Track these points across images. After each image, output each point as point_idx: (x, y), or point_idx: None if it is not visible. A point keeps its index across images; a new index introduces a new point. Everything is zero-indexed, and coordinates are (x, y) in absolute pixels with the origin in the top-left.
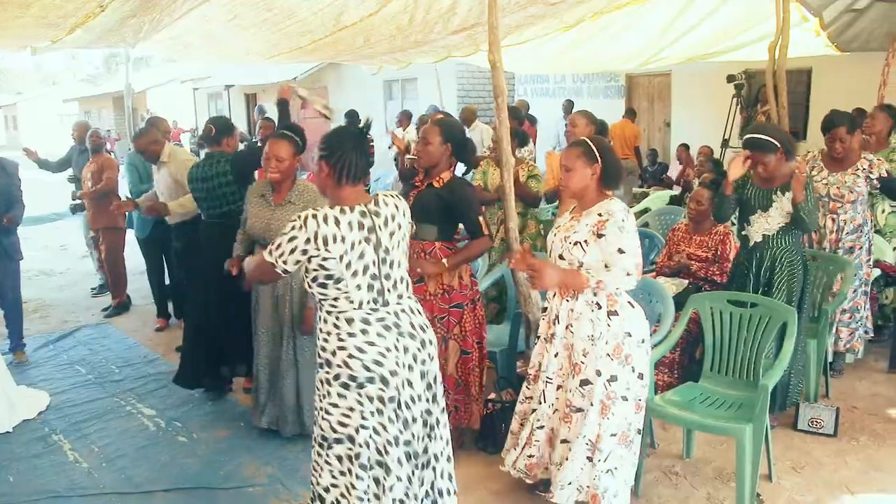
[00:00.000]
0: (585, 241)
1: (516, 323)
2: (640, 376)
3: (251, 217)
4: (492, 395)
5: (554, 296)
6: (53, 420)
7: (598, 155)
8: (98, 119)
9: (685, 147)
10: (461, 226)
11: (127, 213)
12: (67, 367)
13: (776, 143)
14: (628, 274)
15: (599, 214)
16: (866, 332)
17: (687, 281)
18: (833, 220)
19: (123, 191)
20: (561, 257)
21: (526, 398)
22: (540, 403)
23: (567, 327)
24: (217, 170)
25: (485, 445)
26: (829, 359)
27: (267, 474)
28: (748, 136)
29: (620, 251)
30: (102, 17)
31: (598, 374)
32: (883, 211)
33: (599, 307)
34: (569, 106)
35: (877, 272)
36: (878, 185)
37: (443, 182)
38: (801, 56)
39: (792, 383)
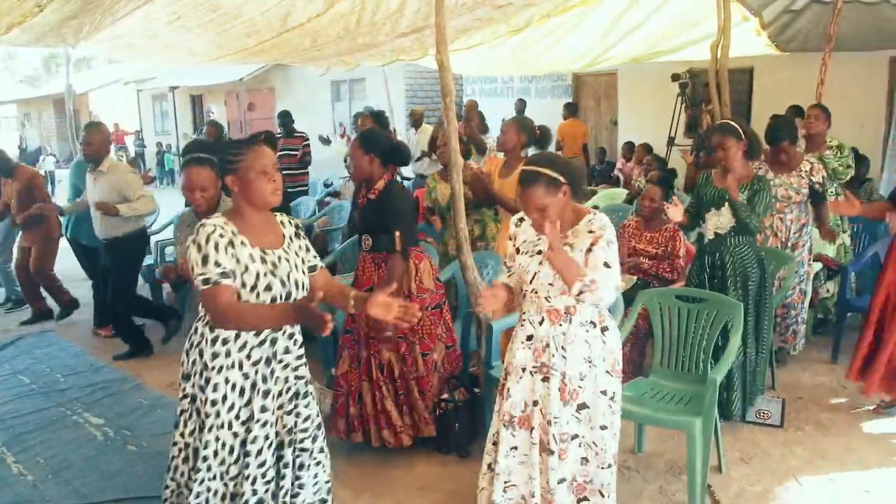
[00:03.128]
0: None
1: (467, 322)
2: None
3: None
4: (444, 395)
5: (542, 322)
6: None
7: (563, 181)
8: (38, 122)
9: (643, 147)
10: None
11: (65, 222)
12: (10, 377)
13: (741, 132)
14: (616, 287)
15: (591, 231)
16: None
17: (636, 277)
18: (780, 219)
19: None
20: (551, 285)
21: (511, 448)
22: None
23: (559, 353)
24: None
25: (439, 446)
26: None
27: None
28: (720, 121)
29: (607, 265)
30: (41, 16)
31: (604, 393)
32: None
33: (594, 325)
34: (521, 106)
35: (818, 266)
36: (808, 193)
37: (377, 192)
38: (743, 55)
39: (758, 377)
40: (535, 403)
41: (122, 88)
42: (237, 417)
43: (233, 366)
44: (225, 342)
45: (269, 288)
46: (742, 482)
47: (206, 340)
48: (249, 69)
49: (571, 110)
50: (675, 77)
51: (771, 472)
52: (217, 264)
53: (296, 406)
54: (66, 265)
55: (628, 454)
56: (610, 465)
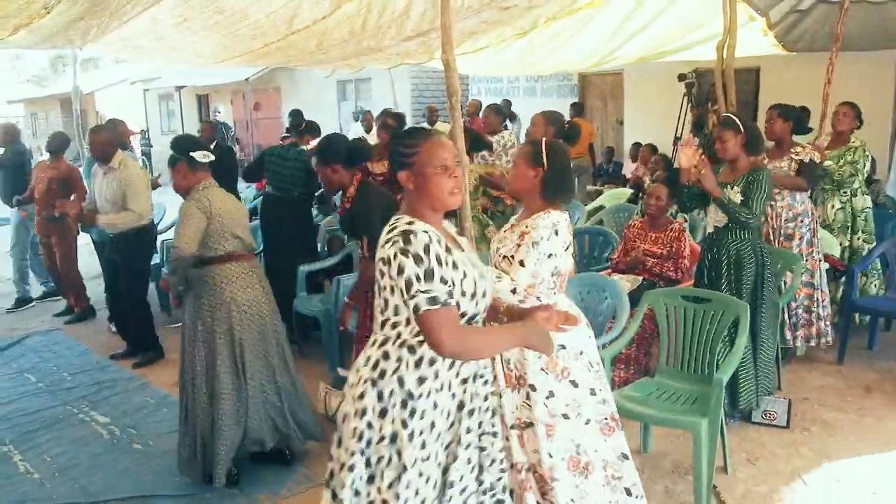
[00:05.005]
0: (512, 257)
1: None
2: (592, 392)
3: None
4: None
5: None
6: (2, 430)
7: (544, 159)
8: (45, 121)
9: (648, 147)
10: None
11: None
12: (17, 375)
13: (739, 125)
14: (513, 291)
15: (526, 226)
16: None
17: (641, 277)
18: (771, 206)
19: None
20: (497, 266)
21: None
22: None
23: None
24: (293, 155)
25: None
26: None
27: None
28: (724, 114)
29: (521, 264)
30: (48, 18)
31: (534, 389)
32: (833, 206)
33: None
34: (507, 106)
35: (825, 266)
36: (797, 170)
37: (350, 200)
38: (750, 55)
39: (760, 376)
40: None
41: (129, 88)
42: (443, 445)
43: (441, 388)
44: (432, 362)
45: (484, 295)
46: (748, 483)
47: (407, 365)
48: (255, 69)
49: (578, 110)
50: (681, 77)
51: (777, 472)
52: (443, 281)
53: (493, 425)
54: (83, 263)
55: (634, 454)
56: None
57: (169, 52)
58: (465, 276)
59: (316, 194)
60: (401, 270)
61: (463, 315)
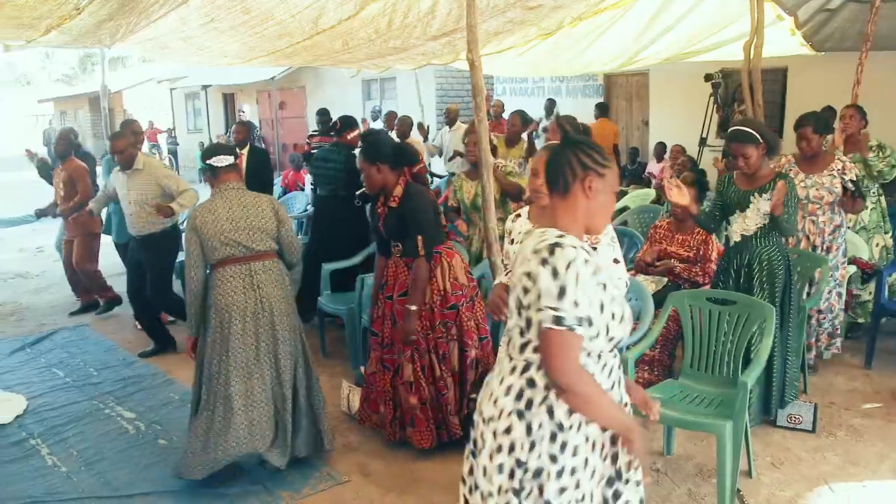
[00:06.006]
0: None
1: (497, 326)
2: None
3: None
4: (473, 395)
5: None
6: (31, 424)
7: None
8: (74, 120)
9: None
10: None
11: (104, 218)
12: (45, 370)
13: (758, 136)
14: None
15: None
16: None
17: (666, 278)
18: (813, 222)
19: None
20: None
21: None
22: None
23: None
24: (334, 156)
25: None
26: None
27: (248, 476)
28: (732, 128)
29: None
30: (78, 19)
31: None
32: (866, 208)
33: None
34: (550, 105)
35: (852, 269)
36: (852, 190)
37: (398, 200)
38: (777, 55)
39: (787, 380)
40: None
41: (156, 87)
42: (600, 482)
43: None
44: None
45: (629, 318)
46: (772, 487)
47: (553, 391)
48: (281, 68)
49: (602, 110)
50: (707, 77)
51: (802, 477)
52: (575, 304)
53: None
54: (107, 261)
55: (657, 456)
56: None
57: (196, 52)
58: (613, 298)
59: (357, 193)
60: (537, 280)
61: (611, 339)
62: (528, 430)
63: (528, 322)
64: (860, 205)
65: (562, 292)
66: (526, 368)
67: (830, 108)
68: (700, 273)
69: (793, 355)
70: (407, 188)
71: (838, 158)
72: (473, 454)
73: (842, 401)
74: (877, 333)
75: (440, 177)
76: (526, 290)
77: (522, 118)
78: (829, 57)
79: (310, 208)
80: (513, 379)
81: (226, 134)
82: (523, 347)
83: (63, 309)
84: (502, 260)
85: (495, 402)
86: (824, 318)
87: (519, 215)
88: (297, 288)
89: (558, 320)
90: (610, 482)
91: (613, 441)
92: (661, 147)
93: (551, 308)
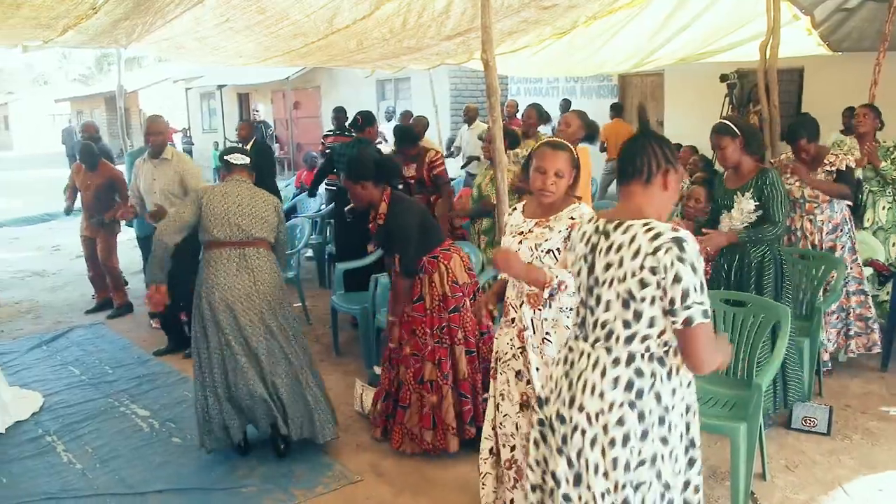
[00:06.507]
0: (558, 250)
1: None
2: None
3: None
4: (486, 395)
5: (521, 305)
6: (47, 421)
7: (576, 163)
8: (90, 119)
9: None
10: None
11: None
12: (61, 367)
13: (735, 129)
14: None
15: (571, 218)
16: (859, 332)
17: None
18: (810, 221)
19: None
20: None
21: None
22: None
23: (543, 339)
24: (355, 150)
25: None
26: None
27: (261, 474)
28: (717, 122)
29: None
30: (95, 19)
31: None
32: (883, 207)
33: (571, 310)
34: (566, 105)
35: (868, 271)
36: (834, 178)
37: (383, 217)
38: (793, 55)
39: (790, 381)
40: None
41: (171, 87)
42: (684, 454)
43: (682, 398)
44: (678, 371)
45: None
46: (786, 490)
47: (661, 378)
48: (295, 68)
49: (617, 111)
50: (723, 77)
51: (816, 480)
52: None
53: None
54: (125, 258)
55: None
56: None
57: (211, 52)
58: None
59: (346, 210)
60: (678, 279)
61: None
62: (641, 418)
63: (638, 315)
64: (842, 189)
65: (701, 286)
66: (631, 359)
67: (850, 109)
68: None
69: (794, 355)
70: (391, 205)
71: (832, 153)
72: (560, 451)
73: (857, 403)
74: (894, 336)
75: (452, 179)
76: (644, 285)
77: (538, 112)
78: (846, 57)
79: (323, 208)
80: (619, 371)
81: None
82: (629, 339)
83: (79, 307)
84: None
85: (601, 395)
86: (837, 318)
87: (515, 209)
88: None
89: (706, 314)
90: (686, 450)
91: (687, 410)
92: (676, 148)
93: (699, 303)
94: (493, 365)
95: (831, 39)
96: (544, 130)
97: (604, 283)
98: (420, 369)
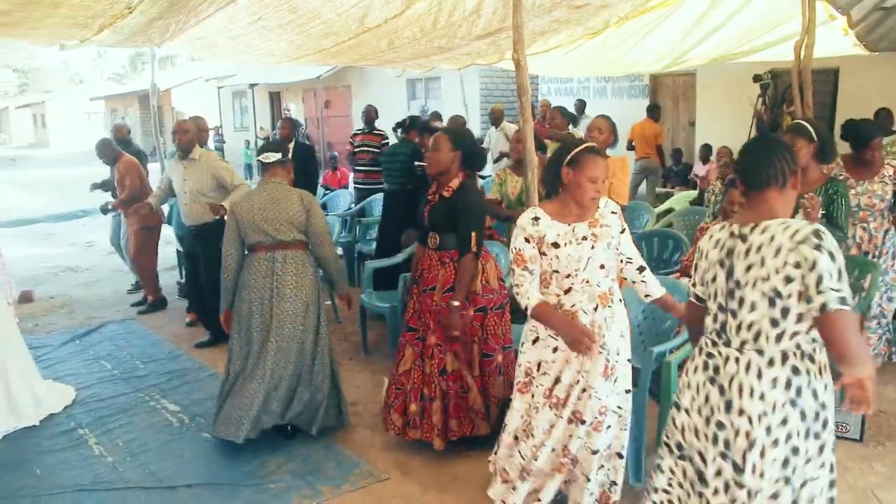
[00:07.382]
0: (619, 243)
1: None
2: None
3: None
4: (508, 396)
5: (597, 308)
6: (79, 414)
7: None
8: (124, 117)
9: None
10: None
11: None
12: (93, 362)
13: (814, 135)
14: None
15: (613, 212)
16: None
17: None
18: (864, 229)
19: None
20: (602, 267)
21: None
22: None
23: (608, 334)
24: (402, 150)
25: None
26: None
27: (290, 470)
28: (795, 121)
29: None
30: (130, 18)
31: (628, 360)
32: None
33: (620, 300)
34: (581, 106)
35: None
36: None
37: (451, 191)
38: (828, 56)
39: None
40: (577, 382)
41: (204, 85)
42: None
43: (830, 396)
44: (828, 366)
45: None
46: None
47: (815, 375)
48: (326, 67)
49: (651, 112)
50: (756, 78)
51: (848, 486)
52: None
53: None
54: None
55: None
56: (627, 426)
57: (244, 51)
58: None
59: (416, 164)
60: (814, 266)
61: None
62: (803, 416)
63: (786, 312)
64: None
65: (840, 274)
66: (785, 358)
67: (885, 110)
68: None
69: None
70: (464, 183)
71: (888, 163)
72: (724, 456)
73: (891, 410)
74: None
75: (483, 177)
76: (788, 280)
77: (562, 113)
78: (882, 57)
79: (353, 206)
80: (775, 371)
81: (272, 130)
82: (779, 337)
83: (111, 303)
84: (526, 267)
85: (762, 397)
86: (877, 323)
87: (537, 218)
88: (341, 278)
89: (843, 300)
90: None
91: (824, 406)
92: (706, 149)
93: (834, 290)
94: (522, 379)
95: (868, 39)
96: (574, 130)
97: (746, 284)
98: (442, 360)
